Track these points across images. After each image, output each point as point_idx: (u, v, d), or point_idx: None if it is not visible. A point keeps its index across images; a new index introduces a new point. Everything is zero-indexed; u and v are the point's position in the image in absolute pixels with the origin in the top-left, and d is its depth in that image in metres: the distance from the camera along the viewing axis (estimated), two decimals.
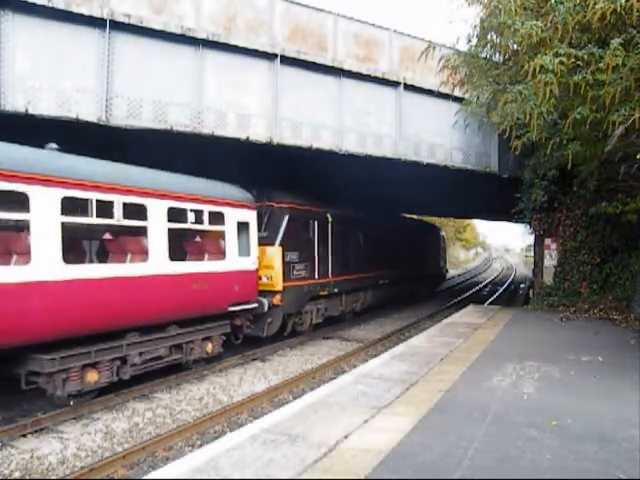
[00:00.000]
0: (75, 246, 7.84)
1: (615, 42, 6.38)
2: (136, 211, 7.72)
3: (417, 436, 4.43)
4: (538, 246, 15.35)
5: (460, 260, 67.42)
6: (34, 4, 7.92)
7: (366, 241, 15.85)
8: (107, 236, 8.02)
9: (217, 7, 9.73)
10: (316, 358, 10.93)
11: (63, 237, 6.62)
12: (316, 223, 12.98)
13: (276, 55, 10.36)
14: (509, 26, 7.40)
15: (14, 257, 6.49)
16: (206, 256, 9.27)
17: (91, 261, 8.08)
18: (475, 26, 9.48)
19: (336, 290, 13.80)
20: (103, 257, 8.12)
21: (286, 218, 11.72)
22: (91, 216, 7.04)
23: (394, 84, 12.16)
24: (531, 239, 19.17)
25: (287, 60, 10.53)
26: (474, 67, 10.14)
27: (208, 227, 9.24)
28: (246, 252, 10.11)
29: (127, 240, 7.92)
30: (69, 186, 6.71)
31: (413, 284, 21.09)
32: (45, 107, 8.24)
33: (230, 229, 9.65)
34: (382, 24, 12.08)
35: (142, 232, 7.89)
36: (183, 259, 8.87)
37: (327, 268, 13.29)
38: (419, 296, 22.06)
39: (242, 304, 9.94)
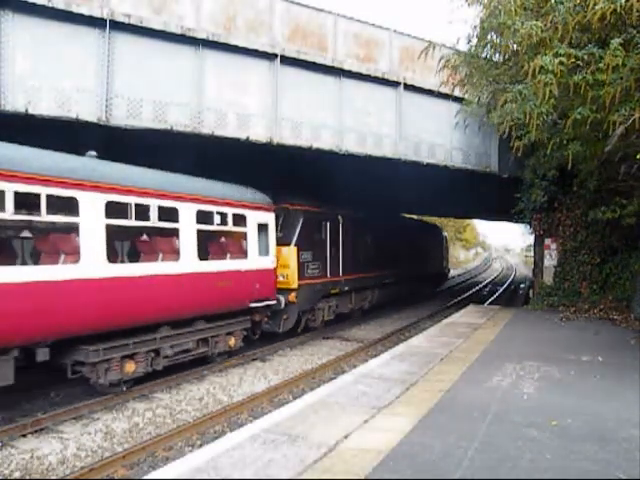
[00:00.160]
0: (117, 246, 8.40)
1: (615, 42, 6.39)
2: (169, 214, 8.32)
3: (417, 436, 4.43)
4: (538, 246, 15.34)
5: (460, 260, 67.42)
6: (34, 4, 7.91)
7: (374, 242, 16.33)
8: (144, 237, 8.51)
9: (217, 7, 9.73)
10: (316, 358, 10.93)
11: (107, 238, 7.25)
12: (328, 224, 13.56)
13: (276, 55, 10.35)
14: (509, 26, 7.40)
15: (62, 257, 7.00)
16: (230, 255, 9.83)
17: (130, 260, 8.53)
18: (475, 26, 9.49)
19: (346, 288, 14.36)
20: (141, 256, 8.54)
21: (301, 220, 12.31)
22: (130, 219, 7.65)
23: (394, 84, 12.16)
24: (531, 239, 19.18)
25: (287, 60, 10.53)
26: (474, 67, 10.15)
27: (232, 228, 9.84)
28: (265, 252, 10.71)
29: (161, 241, 8.48)
30: (112, 191, 7.33)
31: (417, 283, 21.64)
32: (45, 107, 8.24)
33: (251, 230, 10.27)
34: (382, 24, 12.09)
35: (174, 233, 8.48)
36: (210, 258, 9.40)
37: (338, 267, 13.85)
38: (419, 296, 22.15)
39: (262, 301, 10.51)
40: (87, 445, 6.12)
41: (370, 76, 11.72)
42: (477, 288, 31.42)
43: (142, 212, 7.82)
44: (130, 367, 7.70)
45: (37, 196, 6.36)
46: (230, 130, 10.03)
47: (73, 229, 6.99)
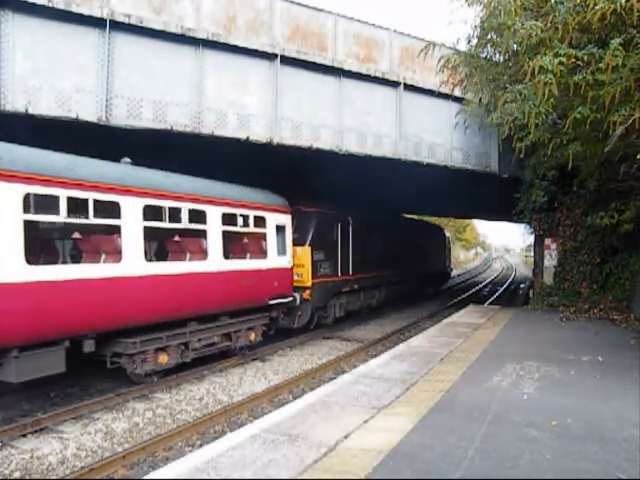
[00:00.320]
0: (153, 246, 8.92)
1: (615, 42, 6.38)
2: (198, 216, 8.91)
3: (417, 436, 4.43)
4: (538, 246, 15.35)
5: (460, 260, 67.39)
6: (34, 4, 7.91)
7: (381, 242, 16.86)
8: (176, 238, 8.87)
9: (217, 7, 9.73)
10: (316, 358, 10.93)
11: (145, 239, 7.81)
12: (339, 226, 14.21)
13: (276, 55, 10.35)
14: (509, 26, 7.39)
15: (103, 256, 7.48)
16: (251, 255, 10.40)
17: (163, 259, 8.89)
18: (475, 26, 9.50)
19: (356, 287, 14.98)
20: (173, 256, 8.95)
21: (314, 221, 12.96)
22: (165, 221, 8.30)
23: (394, 84, 12.16)
24: (531, 239, 19.20)
25: (287, 60, 10.53)
26: (474, 67, 10.14)
27: (253, 230, 10.45)
28: (283, 252, 11.34)
29: (191, 241, 9.00)
30: (149, 196, 7.91)
31: (422, 282, 22.40)
32: (45, 107, 8.24)
33: (270, 231, 10.91)
34: (382, 24, 12.10)
35: (202, 234, 9.06)
36: (234, 258, 9.97)
37: (348, 267, 14.48)
38: (419, 296, 22.30)
39: (280, 298, 11.12)
40: (87, 445, 6.11)
41: (370, 76, 11.72)
42: (477, 288, 31.43)
43: (175, 215, 8.46)
44: (163, 359, 8.30)
45: (85, 201, 6.94)
46: (230, 130, 10.03)
47: (115, 231, 7.51)
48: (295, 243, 12.04)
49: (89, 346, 7.16)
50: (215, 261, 9.19)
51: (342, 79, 11.45)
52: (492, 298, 24.52)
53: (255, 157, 12.07)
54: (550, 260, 14.74)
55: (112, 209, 7.41)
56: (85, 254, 7.67)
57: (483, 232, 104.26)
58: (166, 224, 8.37)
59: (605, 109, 6.92)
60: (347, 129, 11.61)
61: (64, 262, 7.69)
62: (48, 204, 6.69)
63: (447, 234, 30.09)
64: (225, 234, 9.48)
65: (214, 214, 9.22)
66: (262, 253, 10.66)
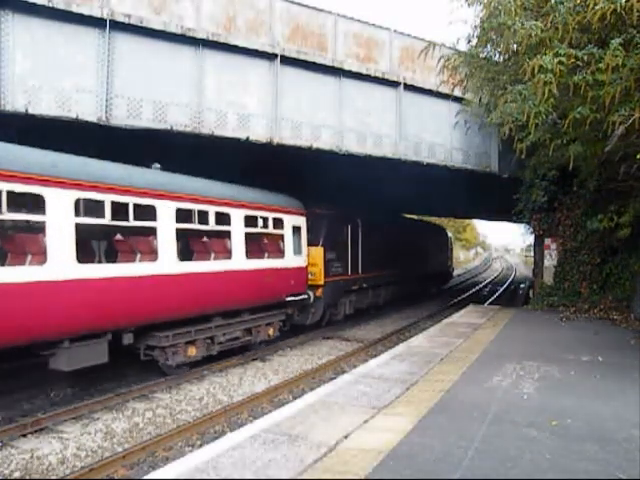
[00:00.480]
0: (183, 246, 9.23)
1: (615, 42, 6.38)
2: (223, 218, 9.47)
3: (417, 436, 4.43)
4: (538, 246, 15.34)
5: (460, 260, 67.39)
6: (34, 4, 7.91)
7: (388, 242, 17.47)
8: (204, 239, 9.39)
9: (217, 7, 9.73)
10: (316, 358, 10.93)
11: (177, 239, 8.35)
12: (349, 227, 14.88)
13: (276, 55, 10.35)
14: (509, 26, 7.39)
15: (138, 255, 8.04)
16: (271, 255, 11.01)
17: (193, 259, 9.29)
18: (475, 26, 9.50)
19: (365, 285, 15.61)
20: (201, 255, 9.40)
21: (326, 223, 13.57)
22: (194, 223, 8.77)
23: (394, 84, 12.16)
24: (531, 239, 19.20)
25: (287, 60, 10.53)
26: (474, 67, 10.14)
27: (272, 231, 11.03)
28: (299, 251, 11.95)
29: (217, 242, 9.61)
30: (181, 200, 8.47)
31: (425, 281, 23.15)
32: (45, 107, 8.24)
33: (287, 232, 11.52)
34: (382, 24, 12.10)
35: (227, 235, 9.68)
36: (255, 257, 10.46)
37: (357, 266, 15.12)
38: (419, 296, 22.29)
39: (296, 295, 11.72)
40: (87, 445, 6.11)
41: (370, 76, 11.72)
42: (477, 288, 31.44)
43: (203, 217, 8.97)
44: (192, 351, 8.85)
45: (126, 205, 7.48)
46: (230, 130, 10.04)
47: (152, 232, 8.05)
48: (309, 243, 12.49)
49: (128, 339, 7.75)
50: (238, 260, 9.78)
51: (342, 79, 11.45)
52: (492, 298, 24.53)
53: (255, 157, 12.07)
54: (550, 260, 14.74)
55: (149, 212, 7.94)
56: (126, 254, 8.15)
57: (483, 232, 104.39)
58: (195, 226, 8.84)
59: (605, 109, 6.92)
60: (347, 129, 11.61)
61: (109, 261, 8.14)
62: (95, 208, 7.23)
63: (449, 234, 30.79)
64: (247, 235, 10.07)
65: (237, 216, 9.82)
66: (280, 253, 11.26)
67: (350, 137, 11.66)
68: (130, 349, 8.12)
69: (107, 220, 7.25)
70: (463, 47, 10.22)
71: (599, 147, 8.51)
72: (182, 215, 8.51)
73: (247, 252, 10.05)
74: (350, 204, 15.96)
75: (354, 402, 5.48)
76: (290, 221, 11.59)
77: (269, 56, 10.36)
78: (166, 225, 8.16)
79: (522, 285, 33.80)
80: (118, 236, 8.13)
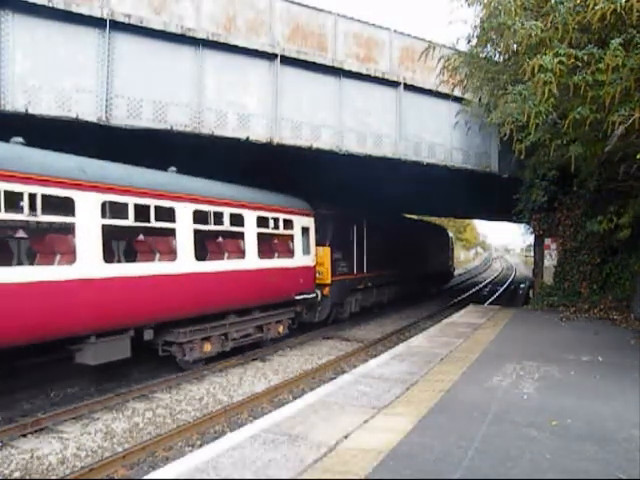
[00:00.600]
0: (200, 246, 9.41)
1: (615, 42, 6.38)
2: (237, 219, 9.86)
3: (417, 436, 4.43)
4: (538, 246, 15.34)
5: (460, 260, 67.37)
6: (34, 4, 7.91)
7: (391, 242, 17.86)
8: (219, 239, 9.80)
9: (217, 7, 9.73)
10: (316, 358, 10.93)
11: (194, 240, 8.72)
12: (355, 227, 15.25)
13: (276, 55, 10.35)
14: (509, 26, 7.40)
15: (158, 255, 8.39)
16: (281, 255, 11.35)
17: (208, 258, 9.59)
18: (475, 26, 9.50)
19: (369, 284, 16.05)
20: (216, 255, 9.79)
21: (333, 223, 13.90)
22: (210, 224, 9.17)
23: (394, 84, 12.16)
24: (531, 239, 19.19)
25: (287, 60, 10.53)
26: (474, 67, 10.15)
27: (283, 231, 11.41)
28: (307, 251, 12.33)
29: (231, 242, 9.99)
30: (198, 202, 8.88)
31: (428, 280, 23.66)
32: (45, 107, 8.24)
33: (297, 233, 11.92)
34: (382, 24, 12.09)
35: (240, 236, 10.06)
36: (266, 257, 10.82)
37: (363, 266, 15.52)
38: (419, 296, 22.31)
39: (305, 294, 12.12)
40: (87, 445, 6.11)
41: (370, 76, 11.72)
42: (477, 288, 31.44)
43: (218, 218, 9.35)
44: (207, 347, 9.23)
45: (147, 207, 7.85)
46: (230, 130, 10.04)
47: (171, 233, 8.41)
48: (316, 243, 12.81)
49: (148, 335, 8.11)
50: (251, 260, 10.18)
51: (342, 79, 11.45)
52: (492, 298, 24.52)
53: (255, 157, 12.07)
54: (550, 260, 14.74)
55: (168, 214, 8.29)
56: (147, 254, 8.45)
57: (483, 232, 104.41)
58: (211, 227, 9.21)
59: (605, 109, 6.92)
60: (347, 129, 11.61)
61: (132, 260, 8.44)
62: (120, 210, 7.60)
63: (450, 235, 31.36)
64: (259, 235, 10.48)
65: (250, 218, 10.21)
66: (290, 253, 11.66)
67: (350, 137, 11.66)
68: (149, 345, 8.44)
69: (130, 221, 7.61)
70: (463, 47, 10.24)
71: (599, 147, 8.51)
72: (199, 216, 8.86)
73: (259, 252, 10.44)
74: (350, 204, 15.97)
75: (354, 402, 5.48)
76: (299, 222, 11.96)
77: (269, 56, 10.36)
78: (184, 226, 8.52)
79: (522, 285, 33.80)
80: (140, 237, 8.49)
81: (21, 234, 7.19)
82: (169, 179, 8.66)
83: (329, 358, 10.85)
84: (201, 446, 5.93)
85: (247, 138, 10.20)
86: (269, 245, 11.09)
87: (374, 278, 16.25)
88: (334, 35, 11.20)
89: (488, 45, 9.61)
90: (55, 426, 6.59)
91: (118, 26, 8.72)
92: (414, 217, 27.76)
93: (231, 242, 9.97)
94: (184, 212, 8.53)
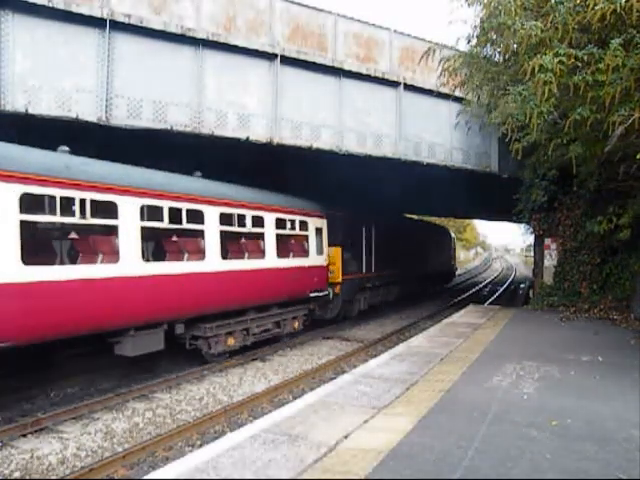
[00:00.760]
0: (226, 246, 9.93)
1: (615, 42, 6.38)
2: (258, 221, 10.50)
3: (417, 436, 4.42)
4: (538, 246, 15.34)
5: (460, 260, 67.34)
6: (34, 4, 7.91)
7: (397, 243, 18.52)
8: (242, 240, 10.33)
9: (217, 7, 9.73)
10: (316, 358, 10.93)
11: (221, 240, 9.37)
12: (363, 228, 15.95)
13: (276, 55, 10.35)
14: (509, 26, 7.39)
15: (187, 255, 8.90)
16: (297, 254, 11.95)
17: (232, 258, 10.04)
18: (475, 26, 9.50)
19: (377, 283, 16.70)
20: (239, 255, 10.22)
21: (344, 224, 14.51)
22: (234, 225, 9.81)
23: (394, 84, 12.16)
24: (531, 239, 19.20)
25: (287, 60, 10.53)
26: (474, 67, 10.14)
27: (298, 232, 12.06)
28: (320, 251, 12.99)
29: (252, 242, 10.58)
30: (225, 205, 9.52)
31: (431, 280, 24.51)
32: (45, 107, 8.24)
33: (311, 233, 12.58)
34: (382, 24, 12.09)
35: (261, 237, 10.71)
36: (283, 257, 11.37)
37: (371, 265, 16.23)
38: (419, 296, 22.38)
39: (318, 292, 12.76)
40: (87, 445, 6.11)
41: (370, 76, 11.72)
42: (477, 288, 31.45)
43: (241, 220, 10.01)
44: (231, 341, 9.88)
45: (180, 210, 8.46)
46: (230, 130, 10.03)
47: (200, 234, 9.04)
48: (328, 244, 13.32)
49: (180, 329, 8.72)
50: (271, 259, 10.82)
51: (342, 79, 11.45)
52: (492, 298, 24.53)
53: (255, 157, 12.07)
54: (550, 260, 14.74)
55: (198, 216, 8.87)
56: (179, 254, 8.89)
57: (483, 232, 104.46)
58: (235, 228, 9.84)
59: (605, 109, 6.92)
60: (347, 129, 11.61)
61: (167, 260, 8.86)
62: (156, 213, 8.16)
63: (452, 235, 32.18)
64: (278, 236, 11.08)
65: (270, 219, 10.84)
66: (305, 252, 12.30)
67: (350, 137, 11.66)
68: (177, 339, 8.96)
69: (165, 224, 8.24)
70: (463, 47, 10.23)
71: (599, 147, 8.51)
72: (224, 218, 9.49)
73: (278, 252, 11.05)
74: (350, 204, 15.97)
75: (354, 402, 5.48)
76: (313, 223, 12.63)
77: (269, 56, 10.36)
78: (212, 227, 9.15)
79: (522, 285, 33.82)
80: (173, 237, 8.91)
81: (73, 235, 7.62)
82: (199, 184, 9.29)
83: (329, 358, 10.85)
84: (201, 446, 5.93)
85: (247, 138, 10.20)
86: (286, 245, 11.64)
87: (382, 277, 16.81)
88: (334, 35, 11.20)
89: (488, 45, 9.60)
90: (55, 426, 6.59)
91: (118, 26, 8.72)
92: (415, 217, 27.92)
93: (252, 242, 10.55)
94: (212, 214, 9.15)
